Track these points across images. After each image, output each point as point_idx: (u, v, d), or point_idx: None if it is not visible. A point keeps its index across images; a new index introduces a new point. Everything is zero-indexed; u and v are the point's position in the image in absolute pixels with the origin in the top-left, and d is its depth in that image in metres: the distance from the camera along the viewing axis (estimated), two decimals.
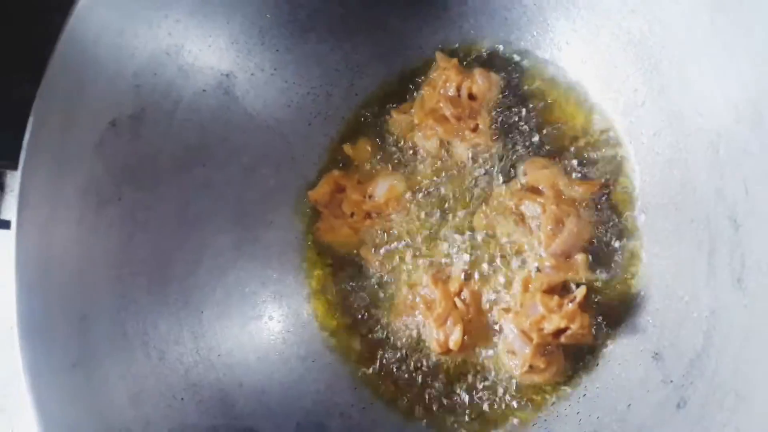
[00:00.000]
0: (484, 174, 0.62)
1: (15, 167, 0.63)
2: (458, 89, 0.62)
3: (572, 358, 0.56)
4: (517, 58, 0.64)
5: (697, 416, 0.44)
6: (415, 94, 0.67)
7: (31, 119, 0.62)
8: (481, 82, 0.61)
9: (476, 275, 0.61)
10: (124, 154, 0.65)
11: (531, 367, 0.55)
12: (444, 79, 0.64)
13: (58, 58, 0.61)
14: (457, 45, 0.66)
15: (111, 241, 0.65)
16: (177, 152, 0.68)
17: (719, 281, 0.46)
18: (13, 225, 0.62)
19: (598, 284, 0.56)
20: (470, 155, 0.62)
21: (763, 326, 0.41)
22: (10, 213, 0.62)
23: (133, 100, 0.65)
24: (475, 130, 0.61)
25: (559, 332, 0.54)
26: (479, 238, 0.61)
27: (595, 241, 0.57)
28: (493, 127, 0.62)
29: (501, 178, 0.62)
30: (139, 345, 0.63)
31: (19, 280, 0.60)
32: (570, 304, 0.53)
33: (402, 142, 0.67)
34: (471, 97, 0.62)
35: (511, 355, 0.57)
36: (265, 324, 0.69)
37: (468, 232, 0.62)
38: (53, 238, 0.62)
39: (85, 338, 0.61)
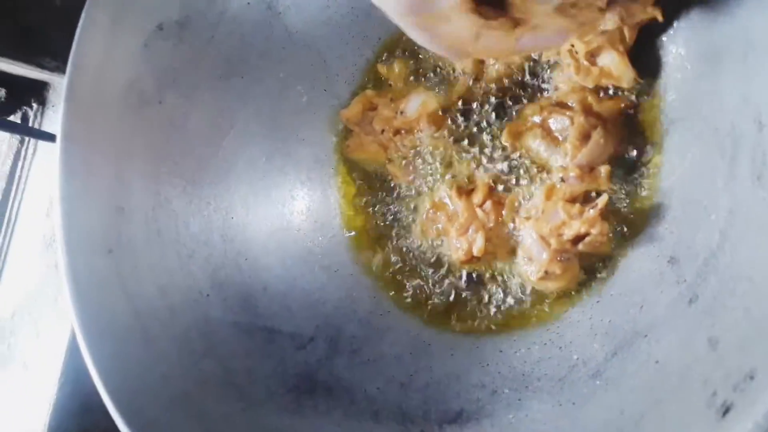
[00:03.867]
0: (515, 90, 0.63)
1: (64, 70, 0.66)
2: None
3: (588, 267, 0.57)
4: None
5: (708, 307, 0.45)
6: None
7: (81, 19, 0.65)
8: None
9: (500, 188, 0.62)
10: (168, 59, 0.68)
11: (547, 273, 0.56)
12: None
13: None
14: None
15: (149, 141, 0.67)
16: (217, 61, 0.70)
17: (739, 181, 0.46)
18: (60, 118, 0.65)
19: (620, 195, 0.56)
20: (504, 72, 0.63)
21: None
22: (54, 127, 0.65)
23: (180, 6, 0.67)
24: None
25: (578, 239, 0.55)
26: (506, 153, 0.62)
27: (619, 154, 0.57)
28: None
29: (532, 96, 0.63)
30: (170, 241, 0.66)
31: (62, 168, 0.62)
32: (591, 211, 0.54)
33: (437, 62, 0.68)
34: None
35: (528, 260, 0.58)
36: (292, 234, 0.71)
37: (496, 149, 0.63)
38: (96, 129, 0.65)
39: (120, 229, 0.64)
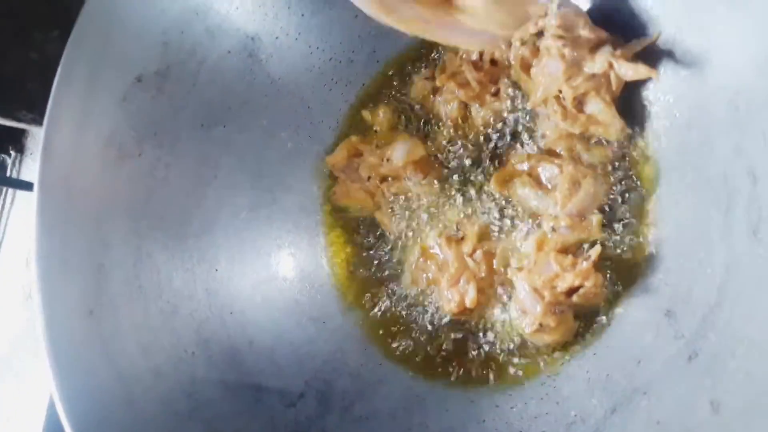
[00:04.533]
0: (501, 138, 0.63)
1: (41, 122, 0.64)
2: (480, 55, 0.63)
3: (583, 318, 0.56)
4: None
5: (708, 366, 0.43)
6: (437, 60, 0.68)
7: (59, 72, 0.63)
8: (503, 46, 0.61)
9: (490, 237, 0.61)
10: (148, 111, 0.67)
11: (541, 325, 0.55)
12: None
13: (86, 12, 0.63)
14: None
15: (130, 195, 0.66)
16: (199, 111, 0.69)
17: (735, 236, 0.45)
18: (36, 174, 0.63)
19: (612, 245, 0.55)
20: (491, 119, 0.62)
21: None
22: (32, 175, 0.63)
23: (160, 57, 0.66)
24: (495, 94, 0.62)
25: (572, 291, 0.54)
26: (495, 201, 0.61)
27: (609, 202, 0.56)
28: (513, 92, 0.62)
29: (518, 143, 0.62)
30: (153, 298, 0.64)
31: (39, 224, 0.61)
32: (584, 263, 0.53)
33: (422, 108, 0.68)
34: (492, 62, 0.62)
35: (521, 313, 0.57)
36: (278, 285, 0.70)
37: (484, 196, 0.62)
38: (74, 188, 0.63)
39: (101, 287, 0.62)
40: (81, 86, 0.64)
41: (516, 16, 0.58)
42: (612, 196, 0.56)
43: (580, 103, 0.56)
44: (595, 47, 0.53)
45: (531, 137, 0.61)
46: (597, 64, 0.55)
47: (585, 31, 0.53)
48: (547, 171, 0.58)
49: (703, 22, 0.50)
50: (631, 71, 0.52)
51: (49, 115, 0.63)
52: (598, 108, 0.55)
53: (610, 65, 0.54)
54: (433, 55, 0.68)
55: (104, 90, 0.65)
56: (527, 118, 0.62)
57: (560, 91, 0.56)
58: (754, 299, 0.42)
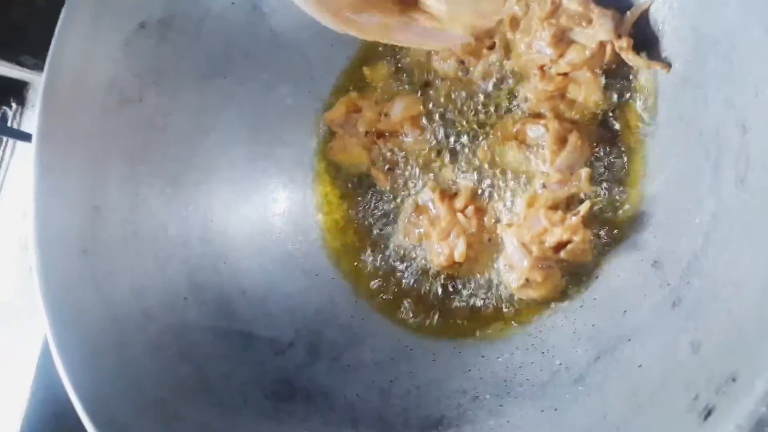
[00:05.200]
0: (492, 99, 0.63)
1: (43, 67, 0.65)
2: None
3: (570, 273, 0.56)
4: None
5: (691, 310, 0.44)
6: None
7: (61, 16, 0.64)
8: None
9: (482, 194, 0.61)
10: (150, 58, 0.67)
11: (527, 280, 0.55)
12: None
13: None
14: None
15: (129, 141, 0.66)
16: (200, 61, 0.69)
17: (723, 186, 0.46)
18: (37, 116, 0.63)
19: (602, 201, 0.56)
20: (491, 71, 0.62)
21: (764, 219, 0.41)
22: (33, 127, 0.63)
23: (164, 5, 0.67)
24: (491, 47, 0.62)
25: (560, 246, 0.55)
26: (488, 162, 0.62)
27: (599, 156, 0.57)
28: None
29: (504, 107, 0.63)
30: (147, 243, 0.65)
31: (37, 164, 0.61)
32: (573, 218, 0.54)
33: (420, 65, 0.68)
34: None
35: (509, 268, 0.57)
36: (273, 236, 0.70)
37: (479, 155, 0.63)
38: (75, 127, 0.64)
39: (96, 229, 0.63)
40: (84, 30, 0.64)
41: (480, 14, 0.59)
42: (600, 153, 0.57)
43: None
44: (588, 19, 0.54)
45: (516, 99, 0.61)
46: (592, 39, 0.55)
47: (574, 3, 0.54)
48: (533, 131, 0.59)
49: None
50: (640, 63, 0.53)
51: (50, 58, 0.63)
52: (584, 77, 0.55)
53: (613, 49, 0.55)
54: None
55: (107, 35, 0.65)
56: (509, 82, 0.62)
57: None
58: (739, 243, 0.43)
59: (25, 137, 0.88)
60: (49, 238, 0.60)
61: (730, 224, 0.44)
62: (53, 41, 0.63)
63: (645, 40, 0.55)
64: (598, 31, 0.54)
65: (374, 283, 0.66)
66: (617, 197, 0.56)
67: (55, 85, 0.64)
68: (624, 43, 0.53)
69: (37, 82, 0.91)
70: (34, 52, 0.78)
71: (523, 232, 0.55)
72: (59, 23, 0.63)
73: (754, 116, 0.45)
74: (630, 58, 0.54)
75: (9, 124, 0.94)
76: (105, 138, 0.66)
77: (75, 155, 0.64)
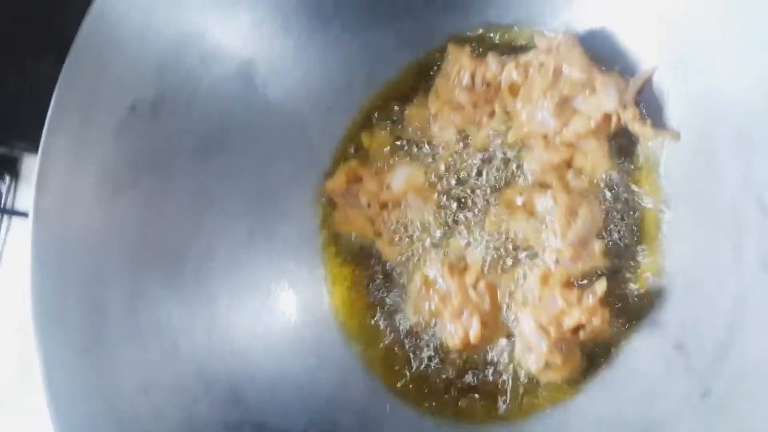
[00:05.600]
0: (499, 167, 0.61)
1: (35, 150, 0.63)
2: (473, 77, 0.62)
3: (590, 353, 0.54)
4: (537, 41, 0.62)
5: (723, 405, 0.42)
6: (430, 85, 0.67)
7: (53, 100, 0.62)
8: (494, 67, 0.60)
9: (493, 268, 0.59)
10: (143, 139, 0.65)
11: (547, 363, 0.53)
12: (457, 69, 0.63)
13: (82, 38, 0.61)
14: (481, 31, 0.65)
15: (126, 228, 0.64)
16: (195, 139, 0.68)
17: (745, 268, 0.44)
18: (31, 208, 0.62)
19: (618, 277, 0.54)
20: (490, 140, 0.61)
21: None
22: (27, 203, 0.62)
23: (155, 84, 0.65)
24: (491, 115, 0.60)
25: (578, 328, 0.53)
26: (496, 233, 0.60)
27: (612, 231, 0.55)
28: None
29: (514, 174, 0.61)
30: (152, 334, 0.63)
31: (34, 262, 0.59)
32: (591, 298, 0.52)
33: (420, 134, 0.66)
34: (485, 84, 0.61)
35: (527, 350, 0.55)
36: (279, 317, 0.68)
37: (486, 227, 0.61)
38: (69, 222, 0.62)
39: (98, 325, 0.61)
40: (76, 115, 0.63)
41: None
42: (613, 225, 0.55)
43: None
44: (592, 87, 0.52)
45: (520, 169, 0.60)
46: (596, 109, 0.54)
47: (576, 71, 0.52)
48: (541, 203, 0.57)
49: (707, 49, 0.48)
50: (648, 134, 0.51)
51: (43, 144, 0.62)
52: (590, 146, 0.54)
53: (618, 119, 0.53)
54: (427, 85, 0.67)
55: (99, 119, 0.64)
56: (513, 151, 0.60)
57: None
58: (767, 336, 0.41)
59: (21, 215, 0.87)
60: (49, 340, 0.58)
61: (756, 312, 0.43)
62: (45, 128, 0.62)
63: (652, 106, 0.54)
64: (602, 101, 0.52)
65: (387, 364, 0.64)
66: (633, 272, 0.54)
67: (47, 173, 0.62)
68: (630, 113, 0.52)
69: (30, 157, 0.90)
70: (24, 135, 0.76)
71: (540, 314, 0.53)
72: (51, 108, 0.62)
73: None
74: (637, 129, 0.52)
75: (4, 198, 0.92)
76: (101, 227, 0.64)
77: (71, 247, 0.62)
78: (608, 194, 0.56)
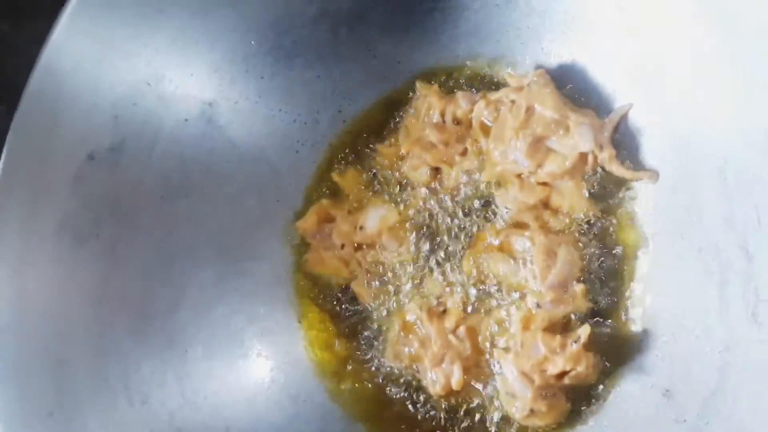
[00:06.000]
0: (470, 209, 0.60)
1: None
2: (442, 115, 0.60)
3: (576, 398, 0.53)
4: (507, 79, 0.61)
5: None
6: (399, 124, 0.65)
7: (4, 153, 0.59)
8: (464, 105, 0.59)
9: (473, 311, 0.58)
10: (103, 188, 0.63)
11: (532, 410, 0.52)
12: (427, 107, 0.62)
13: (33, 89, 0.58)
14: (450, 66, 0.64)
15: (88, 280, 0.62)
16: (158, 184, 0.65)
17: (733, 315, 0.43)
18: None
19: (600, 320, 0.53)
20: (462, 180, 0.59)
21: None
22: None
23: (112, 132, 0.62)
24: (464, 153, 0.59)
25: (563, 374, 0.52)
26: (474, 276, 0.59)
27: (593, 272, 0.54)
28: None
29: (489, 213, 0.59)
30: (120, 389, 0.60)
31: None
32: (574, 345, 0.51)
33: (391, 172, 0.65)
34: (456, 122, 0.60)
35: (510, 397, 0.54)
36: (253, 362, 0.66)
37: (464, 269, 0.59)
38: (27, 278, 0.59)
39: (62, 384, 0.58)
40: (29, 168, 0.60)
41: None
42: (594, 266, 0.54)
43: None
44: (566, 127, 0.51)
45: (497, 208, 0.58)
46: (571, 150, 0.52)
47: (549, 111, 0.51)
48: (518, 243, 0.55)
49: (683, 83, 0.47)
50: (626, 174, 0.50)
51: None
52: (567, 186, 0.52)
53: (595, 159, 0.52)
54: (396, 121, 0.65)
55: (55, 170, 0.61)
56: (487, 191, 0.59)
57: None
58: (759, 389, 0.40)
59: None
60: (11, 407, 0.55)
61: (745, 362, 0.42)
62: None
63: (629, 144, 0.53)
64: (577, 141, 0.51)
65: (367, 408, 0.62)
66: (617, 314, 0.52)
67: (2, 231, 0.59)
68: (606, 154, 0.51)
69: None
70: None
71: (523, 361, 0.52)
72: (2, 161, 0.59)
73: (759, 244, 0.42)
74: (614, 169, 0.51)
75: None
76: (62, 282, 0.61)
77: (30, 307, 0.59)
78: (587, 234, 0.54)
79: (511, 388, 0.53)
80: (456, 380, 0.55)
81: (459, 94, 0.60)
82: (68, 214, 0.61)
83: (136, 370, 0.61)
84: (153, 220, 0.65)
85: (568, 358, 0.50)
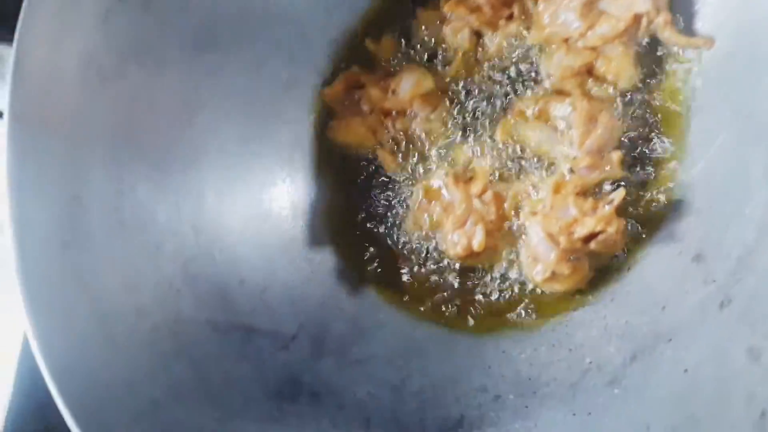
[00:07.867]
0: (511, 75, 0.58)
1: (11, 39, 0.58)
2: None
3: (599, 265, 0.53)
4: None
5: (745, 312, 0.41)
6: None
7: None
8: None
9: (501, 178, 0.57)
10: (132, 30, 0.61)
11: (554, 273, 0.51)
12: None
13: None
14: None
15: (111, 122, 0.60)
16: (188, 33, 0.63)
17: None
18: (7, 96, 0.57)
19: (635, 187, 0.52)
20: (505, 47, 0.57)
21: None
22: (2, 100, 0.57)
23: None
24: (510, 18, 0.57)
25: (590, 237, 0.51)
26: (506, 144, 0.57)
27: (632, 141, 0.53)
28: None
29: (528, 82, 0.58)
30: (135, 233, 0.59)
31: (10, 152, 0.55)
32: (606, 207, 0.50)
33: (430, 39, 0.63)
34: None
35: (532, 261, 0.53)
36: (272, 221, 0.65)
37: (496, 137, 0.58)
38: (49, 111, 0.57)
39: (77, 220, 0.57)
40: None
41: None
42: (632, 134, 0.52)
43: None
44: None
45: (538, 75, 0.56)
46: (626, 10, 0.50)
47: None
48: (558, 110, 0.54)
49: None
50: (681, 41, 0.48)
51: (20, 31, 0.57)
52: (615, 51, 0.51)
53: (648, 23, 0.50)
54: None
55: (83, 6, 0.59)
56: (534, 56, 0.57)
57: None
58: None
59: None
60: (26, 233, 0.54)
61: None
62: (22, 12, 0.57)
63: (684, 9, 0.51)
64: (633, 1, 0.49)
65: (383, 273, 0.61)
66: (652, 183, 0.51)
67: (25, 60, 0.57)
68: (662, 18, 0.49)
69: (6, 52, 0.84)
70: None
71: (551, 222, 0.51)
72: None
73: None
74: (667, 35, 0.49)
75: None
76: (84, 119, 0.59)
77: (52, 140, 0.58)
78: (630, 105, 0.53)
79: (534, 252, 0.52)
80: (478, 241, 0.54)
81: None
82: (95, 51, 0.59)
83: (152, 216, 0.61)
84: (179, 70, 0.63)
85: (599, 219, 0.49)
